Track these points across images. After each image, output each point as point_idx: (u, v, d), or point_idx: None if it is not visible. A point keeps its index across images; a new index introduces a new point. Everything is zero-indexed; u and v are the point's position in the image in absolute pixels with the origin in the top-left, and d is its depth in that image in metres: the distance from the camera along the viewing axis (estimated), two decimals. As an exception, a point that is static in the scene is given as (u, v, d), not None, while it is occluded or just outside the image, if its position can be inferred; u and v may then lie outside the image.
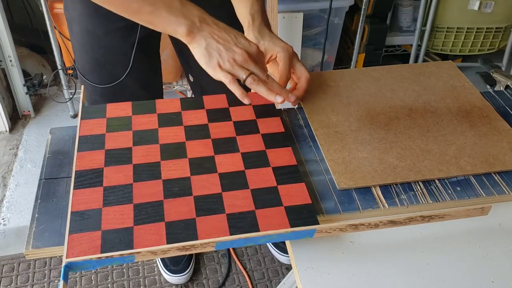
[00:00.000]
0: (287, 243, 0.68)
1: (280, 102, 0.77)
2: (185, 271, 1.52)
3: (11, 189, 1.80)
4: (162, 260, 1.54)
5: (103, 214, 0.64)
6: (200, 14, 0.76)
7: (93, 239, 0.60)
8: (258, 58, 0.77)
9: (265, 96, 0.77)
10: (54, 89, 2.26)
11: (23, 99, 2.11)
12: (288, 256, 1.46)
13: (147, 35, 1.06)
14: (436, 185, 0.73)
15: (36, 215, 0.66)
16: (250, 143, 0.77)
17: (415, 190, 0.72)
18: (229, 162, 0.73)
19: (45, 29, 1.89)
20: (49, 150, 0.77)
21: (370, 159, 0.75)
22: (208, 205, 0.66)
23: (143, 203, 0.66)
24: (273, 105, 0.85)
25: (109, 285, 1.52)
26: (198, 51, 0.75)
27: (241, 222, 0.64)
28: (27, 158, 1.94)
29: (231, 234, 0.62)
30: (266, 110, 0.84)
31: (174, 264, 1.53)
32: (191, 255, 1.55)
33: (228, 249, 1.64)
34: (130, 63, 1.08)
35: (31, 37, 2.27)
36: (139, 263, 1.59)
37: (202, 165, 0.72)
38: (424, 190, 0.72)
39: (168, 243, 0.60)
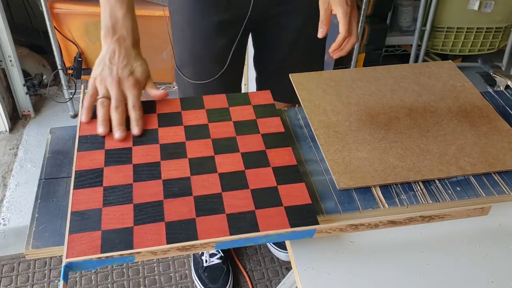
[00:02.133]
0: (287, 243, 0.68)
1: (117, 137, 0.76)
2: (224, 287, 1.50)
3: (11, 189, 1.80)
4: (199, 277, 1.51)
5: (103, 214, 0.64)
6: (126, 35, 0.82)
7: (93, 239, 0.60)
8: (128, 90, 0.79)
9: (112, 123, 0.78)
10: (54, 89, 2.26)
11: (23, 99, 2.11)
12: (287, 253, 1.46)
13: (246, 33, 1.13)
14: (436, 185, 0.73)
15: (36, 215, 0.66)
16: (250, 143, 0.77)
17: (415, 190, 0.72)
18: (229, 162, 0.73)
19: (45, 29, 1.89)
20: (49, 150, 0.77)
21: (370, 159, 0.75)
22: (208, 205, 0.66)
23: (143, 203, 0.65)
24: (273, 105, 0.85)
25: (109, 285, 1.52)
26: (100, 54, 0.82)
27: (241, 222, 0.63)
28: (27, 158, 1.94)
29: (231, 234, 0.62)
30: (266, 110, 0.84)
31: (212, 282, 1.49)
32: (228, 268, 1.53)
33: (230, 250, 1.64)
34: (228, 61, 1.12)
35: (31, 37, 2.28)
36: (139, 263, 1.59)
37: (202, 165, 0.72)
38: (424, 190, 0.72)
39: (168, 243, 0.60)
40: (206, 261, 1.51)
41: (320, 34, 0.88)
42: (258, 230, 0.63)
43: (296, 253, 0.65)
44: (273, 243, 1.60)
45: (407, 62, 2.31)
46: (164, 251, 0.60)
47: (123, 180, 0.69)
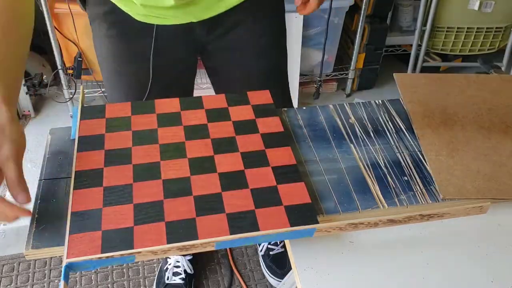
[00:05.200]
0: (287, 243, 0.68)
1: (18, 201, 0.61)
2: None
3: (11, 189, 1.80)
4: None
5: (103, 214, 0.64)
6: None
7: (94, 239, 0.60)
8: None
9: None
10: (54, 89, 2.26)
11: (23, 99, 2.11)
12: (280, 281, 1.45)
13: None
14: (435, 186, 0.73)
15: (36, 216, 0.66)
16: (250, 142, 0.77)
17: (415, 190, 0.72)
18: (228, 162, 0.73)
19: (45, 29, 1.89)
20: (49, 151, 0.77)
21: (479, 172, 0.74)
22: (208, 204, 0.66)
23: (143, 203, 0.66)
24: (272, 104, 0.85)
25: (109, 285, 1.52)
26: None
27: (241, 222, 0.64)
28: (27, 158, 1.94)
29: (231, 234, 0.62)
30: (265, 109, 0.84)
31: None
32: None
33: (226, 252, 1.64)
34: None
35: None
36: (139, 263, 1.59)
37: (201, 165, 0.72)
38: (424, 190, 0.72)
39: (168, 242, 0.60)
40: (168, 278, 1.49)
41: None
42: (258, 230, 0.63)
43: (296, 253, 0.65)
44: (267, 269, 1.56)
45: (407, 62, 2.31)
46: (165, 251, 0.60)
47: (123, 180, 0.69)
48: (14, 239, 1.62)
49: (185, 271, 1.50)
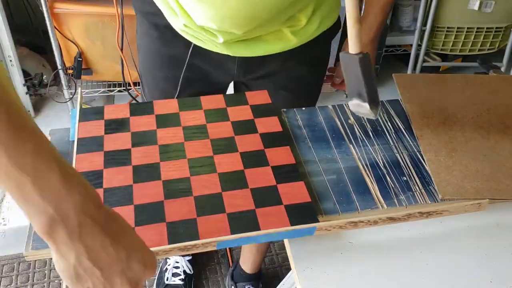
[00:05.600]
0: (286, 243, 0.68)
1: None
2: None
3: (11, 189, 1.80)
4: None
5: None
6: (83, 201, 0.44)
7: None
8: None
9: None
10: (54, 89, 2.26)
11: (23, 99, 2.11)
12: None
13: None
14: (434, 186, 0.73)
15: (36, 216, 0.66)
16: (249, 142, 0.77)
17: (414, 190, 0.72)
18: (228, 162, 0.73)
19: (45, 29, 1.89)
20: (49, 151, 0.77)
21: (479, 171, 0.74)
22: (209, 204, 0.66)
23: (144, 204, 0.66)
24: (271, 104, 0.85)
25: (109, 285, 1.52)
26: (61, 263, 0.45)
27: (242, 221, 0.64)
28: (27, 158, 1.94)
29: (232, 233, 0.62)
30: (263, 109, 0.84)
31: None
32: None
33: (226, 252, 1.64)
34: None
35: (31, 37, 2.27)
36: (139, 263, 1.58)
37: (201, 165, 0.72)
38: (423, 191, 0.72)
39: (169, 243, 0.61)
40: (167, 278, 1.49)
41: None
42: (258, 229, 0.63)
43: (295, 254, 0.65)
44: None
45: (407, 62, 2.31)
46: (166, 251, 0.60)
47: (123, 182, 0.69)
48: (14, 239, 1.62)
49: (184, 271, 1.50)
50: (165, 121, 0.80)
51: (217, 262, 1.61)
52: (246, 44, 0.91)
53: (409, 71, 2.30)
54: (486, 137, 0.81)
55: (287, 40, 0.91)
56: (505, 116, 0.86)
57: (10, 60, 1.98)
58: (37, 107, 2.20)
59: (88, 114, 0.81)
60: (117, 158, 0.73)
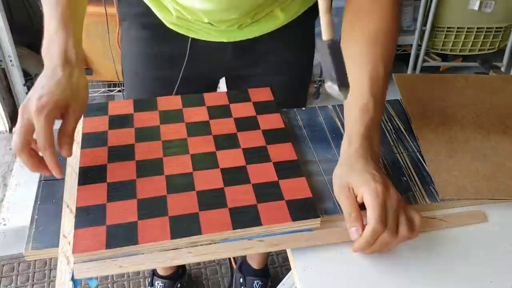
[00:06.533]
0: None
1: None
2: None
3: (11, 189, 1.80)
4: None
5: (107, 209, 0.64)
6: (58, 53, 0.74)
7: (98, 234, 0.61)
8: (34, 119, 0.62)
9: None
10: (54, 89, 2.26)
11: (23, 99, 2.10)
12: None
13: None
14: (435, 186, 0.73)
15: (36, 216, 0.66)
16: (251, 139, 0.77)
17: (414, 190, 0.72)
18: (230, 158, 0.73)
19: (46, 29, 1.89)
20: (50, 150, 0.77)
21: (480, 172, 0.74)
22: (211, 199, 0.66)
23: (147, 198, 0.66)
24: (273, 101, 0.85)
25: (109, 285, 1.53)
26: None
27: (244, 216, 0.64)
28: (27, 158, 1.94)
29: (234, 228, 0.62)
30: (266, 106, 0.84)
31: None
32: None
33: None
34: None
35: (31, 37, 2.27)
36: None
37: (204, 161, 0.72)
38: (423, 191, 0.72)
39: (172, 237, 0.61)
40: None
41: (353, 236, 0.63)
42: (260, 224, 0.63)
43: (295, 254, 0.65)
44: None
45: (408, 62, 2.31)
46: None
47: (126, 176, 0.69)
48: (14, 239, 1.62)
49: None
50: (168, 117, 0.81)
51: (217, 262, 1.61)
52: (240, 28, 0.92)
53: (409, 71, 2.31)
54: (486, 137, 0.81)
55: (276, 18, 0.92)
56: (505, 116, 0.86)
57: (10, 60, 1.98)
58: (37, 107, 2.20)
59: (93, 109, 0.82)
60: (120, 153, 0.73)
